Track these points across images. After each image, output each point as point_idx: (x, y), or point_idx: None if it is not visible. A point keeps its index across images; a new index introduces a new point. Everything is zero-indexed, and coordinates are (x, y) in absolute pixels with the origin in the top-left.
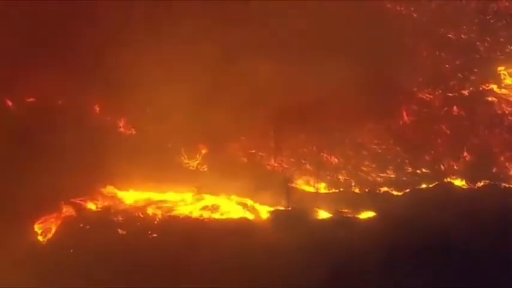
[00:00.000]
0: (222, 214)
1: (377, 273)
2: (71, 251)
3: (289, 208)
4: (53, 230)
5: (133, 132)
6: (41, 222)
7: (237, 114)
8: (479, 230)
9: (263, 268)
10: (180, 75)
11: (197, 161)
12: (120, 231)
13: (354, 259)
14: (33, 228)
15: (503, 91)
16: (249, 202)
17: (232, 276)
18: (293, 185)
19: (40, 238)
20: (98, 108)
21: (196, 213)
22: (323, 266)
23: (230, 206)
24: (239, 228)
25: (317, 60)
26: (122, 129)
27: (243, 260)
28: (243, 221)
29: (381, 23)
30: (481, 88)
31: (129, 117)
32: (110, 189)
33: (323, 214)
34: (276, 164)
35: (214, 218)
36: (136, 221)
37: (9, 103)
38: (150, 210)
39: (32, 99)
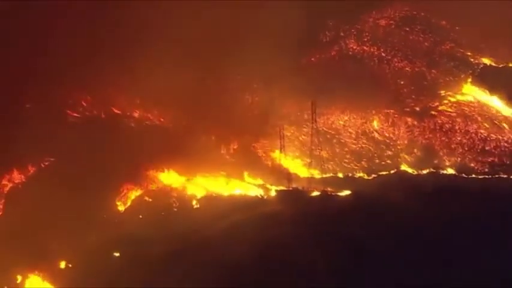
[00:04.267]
0: (244, 192)
1: (351, 230)
2: (140, 216)
3: (291, 188)
4: (128, 203)
5: (180, 132)
6: (120, 198)
7: (257, 123)
8: (423, 201)
9: (272, 228)
10: (215, 82)
11: (227, 155)
12: (173, 204)
13: (335, 222)
14: (115, 202)
15: (443, 107)
16: (263, 183)
17: (250, 233)
18: (295, 171)
19: (120, 208)
20: (155, 113)
21: (226, 192)
22: (314, 226)
23: (250, 186)
24: (256, 202)
25: (318, 89)
26: (171, 129)
27: (259, 222)
28: (259, 197)
29: (361, 61)
30: (428, 105)
31: (176, 119)
32: (165, 175)
33: (315, 192)
34: (283, 157)
35: (239, 195)
36: (184, 197)
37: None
38: (194, 190)
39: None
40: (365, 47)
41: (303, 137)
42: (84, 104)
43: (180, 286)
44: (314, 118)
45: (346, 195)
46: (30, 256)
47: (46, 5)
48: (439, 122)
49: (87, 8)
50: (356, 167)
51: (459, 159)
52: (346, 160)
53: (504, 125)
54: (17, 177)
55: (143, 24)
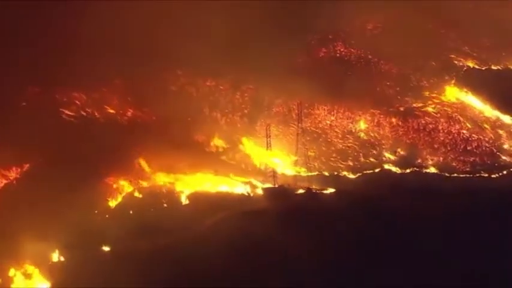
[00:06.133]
0: (232, 189)
1: (335, 227)
2: (131, 212)
3: (277, 186)
4: (119, 199)
5: (171, 130)
6: (110, 194)
7: (247, 122)
8: (406, 199)
9: (258, 224)
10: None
11: (215, 153)
12: (163, 200)
13: (320, 219)
14: (106, 198)
15: (427, 108)
16: (250, 181)
17: (236, 229)
18: (282, 170)
19: (110, 204)
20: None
21: (214, 189)
22: (299, 223)
23: (237, 184)
24: (243, 198)
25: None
26: (162, 128)
27: (245, 219)
28: (246, 194)
29: (348, 63)
30: (412, 106)
31: (167, 118)
32: (155, 172)
33: (300, 190)
34: (269, 155)
35: (226, 192)
36: (174, 193)
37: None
38: (183, 187)
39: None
40: (352, 49)
41: (290, 136)
42: (78, 102)
43: (169, 280)
44: (300, 117)
45: (331, 193)
46: (23, 251)
47: (42, 6)
48: (423, 122)
49: (82, 9)
50: (341, 166)
51: (442, 158)
52: (332, 159)
53: (485, 125)
54: (12, 173)
55: (138, 25)
